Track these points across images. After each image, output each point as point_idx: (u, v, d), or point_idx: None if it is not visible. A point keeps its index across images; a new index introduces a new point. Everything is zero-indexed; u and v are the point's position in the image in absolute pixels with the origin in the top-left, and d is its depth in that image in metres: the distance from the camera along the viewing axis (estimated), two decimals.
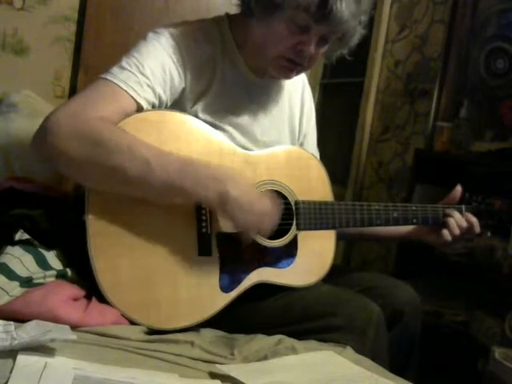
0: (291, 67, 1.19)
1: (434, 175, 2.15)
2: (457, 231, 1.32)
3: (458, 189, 1.38)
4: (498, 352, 1.57)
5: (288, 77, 1.23)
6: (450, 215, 1.33)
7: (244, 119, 1.26)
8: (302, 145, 1.43)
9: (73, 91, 2.03)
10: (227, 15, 1.27)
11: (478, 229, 1.34)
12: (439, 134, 2.25)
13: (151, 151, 1.02)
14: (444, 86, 2.40)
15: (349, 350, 1.11)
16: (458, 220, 1.33)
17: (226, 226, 1.12)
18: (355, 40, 1.23)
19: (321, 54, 1.20)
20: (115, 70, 1.09)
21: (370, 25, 2.69)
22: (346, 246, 2.81)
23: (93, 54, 2.06)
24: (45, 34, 1.98)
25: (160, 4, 2.20)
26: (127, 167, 0.99)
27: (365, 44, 2.72)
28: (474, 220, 1.34)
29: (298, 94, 1.41)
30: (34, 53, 1.97)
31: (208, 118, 1.19)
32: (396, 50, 2.68)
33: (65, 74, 2.04)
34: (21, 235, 1.07)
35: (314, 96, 3.27)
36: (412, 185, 2.26)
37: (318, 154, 1.47)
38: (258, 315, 1.19)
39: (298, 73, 1.23)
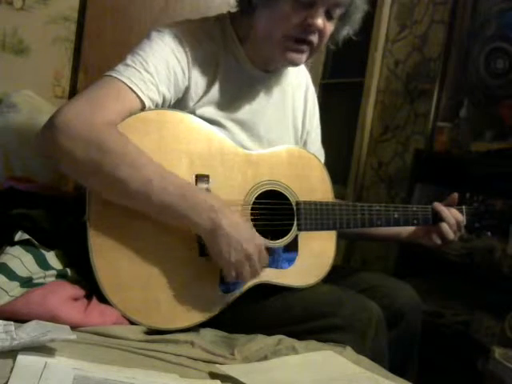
0: (299, 48, 1.16)
1: (434, 175, 2.15)
2: (453, 221, 1.34)
3: (454, 196, 1.39)
4: (498, 352, 1.57)
5: (296, 60, 1.18)
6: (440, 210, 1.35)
7: (247, 115, 1.25)
8: (305, 143, 1.42)
9: (73, 91, 2.03)
10: (229, 13, 1.27)
11: (463, 221, 1.36)
12: (439, 134, 2.25)
13: (155, 170, 1.02)
14: (444, 86, 2.40)
15: (349, 350, 1.11)
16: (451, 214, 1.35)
17: None
18: (359, 17, 1.21)
19: (329, 32, 1.17)
20: (120, 67, 1.09)
21: (370, 25, 2.71)
22: (347, 246, 2.81)
23: (93, 53, 2.06)
24: (45, 33, 1.98)
25: (160, 3, 2.20)
26: (129, 182, 1.00)
27: (365, 44, 2.74)
28: (456, 214, 1.36)
29: (301, 92, 1.40)
30: (33, 53, 1.97)
31: (211, 115, 1.19)
32: (396, 49, 2.68)
33: (65, 74, 2.04)
34: (20, 235, 1.07)
35: None
36: (412, 185, 2.26)
37: (322, 152, 1.47)
38: (258, 315, 1.19)
39: (308, 56, 1.19)
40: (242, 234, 1.05)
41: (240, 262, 1.06)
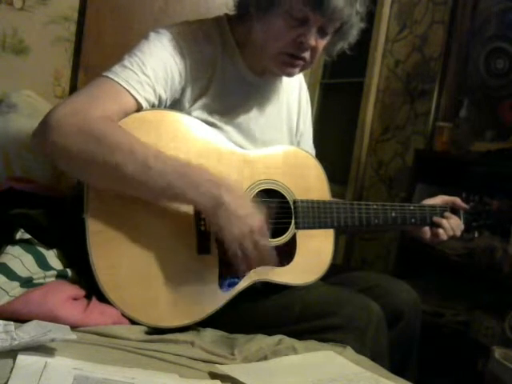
0: (293, 63, 1.18)
1: (434, 175, 2.15)
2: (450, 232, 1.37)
3: (456, 199, 1.41)
4: (498, 352, 1.57)
5: (290, 73, 1.22)
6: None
7: (243, 118, 1.26)
8: (298, 143, 1.44)
9: (73, 91, 2.03)
10: (226, 15, 1.27)
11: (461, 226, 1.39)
12: (439, 134, 2.26)
13: (151, 152, 1.02)
14: (444, 86, 2.40)
15: (349, 350, 1.11)
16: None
17: None
18: (354, 33, 1.23)
19: (322, 48, 1.20)
20: (117, 68, 1.09)
21: (370, 25, 2.71)
22: (346, 246, 2.81)
23: (93, 54, 2.06)
24: (45, 34, 1.98)
25: (160, 4, 2.20)
26: (126, 166, 1.00)
27: (365, 44, 2.74)
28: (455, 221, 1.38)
29: (295, 94, 1.41)
30: (33, 53, 1.97)
31: (207, 116, 1.20)
32: (396, 49, 2.68)
33: (65, 74, 2.04)
34: (21, 234, 1.08)
35: (314, 96, 3.28)
36: (412, 185, 2.26)
37: (314, 152, 1.48)
38: (258, 315, 1.19)
39: (301, 69, 1.22)
40: (245, 209, 1.05)
41: (243, 237, 1.04)
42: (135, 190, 1.04)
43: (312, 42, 1.15)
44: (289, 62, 1.18)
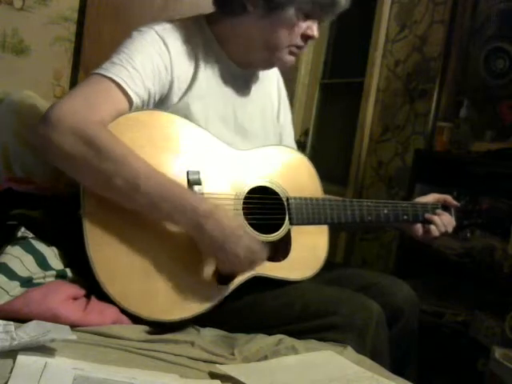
0: (297, 52, 1.27)
1: (433, 175, 2.15)
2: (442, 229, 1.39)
3: (447, 197, 1.43)
4: (498, 352, 1.58)
5: (292, 62, 1.28)
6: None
7: (230, 110, 1.28)
8: (280, 135, 1.46)
9: None
10: (204, 14, 1.30)
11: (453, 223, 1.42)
12: (439, 134, 2.26)
13: (142, 168, 1.03)
14: (444, 86, 2.40)
15: (349, 350, 1.11)
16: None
17: None
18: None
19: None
20: (107, 65, 1.12)
21: (370, 25, 2.71)
22: (346, 246, 2.81)
23: (93, 54, 2.06)
24: (45, 34, 1.98)
25: (159, 3, 2.20)
26: (116, 177, 1.01)
27: (365, 44, 2.74)
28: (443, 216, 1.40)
29: (273, 85, 1.45)
30: (33, 53, 1.97)
31: (195, 110, 1.21)
32: (396, 49, 2.68)
33: (65, 74, 2.05)
34: (22, 233, 1.08)
35: (313, 96, 3.28)
36: (412, 185, 2.26)
37: (295, 146, 1.50)
38: (258, 314, 1.19)
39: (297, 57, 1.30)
40: (228, 239, 1.05)
41: (228, 261, 1.07)
42: (121, 201, 1.04)
43: (317, 33, 1.24)
44: (295, 53, 1.26)
